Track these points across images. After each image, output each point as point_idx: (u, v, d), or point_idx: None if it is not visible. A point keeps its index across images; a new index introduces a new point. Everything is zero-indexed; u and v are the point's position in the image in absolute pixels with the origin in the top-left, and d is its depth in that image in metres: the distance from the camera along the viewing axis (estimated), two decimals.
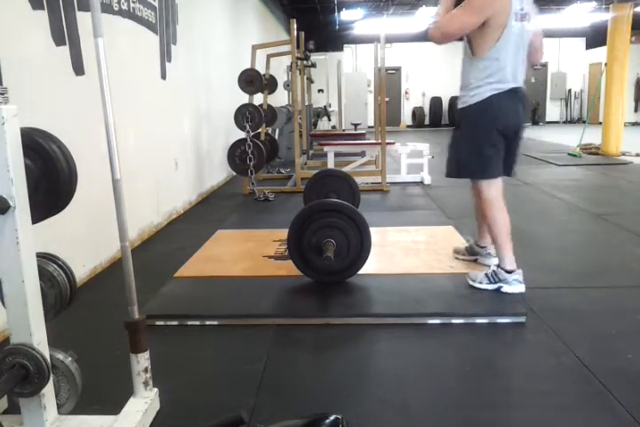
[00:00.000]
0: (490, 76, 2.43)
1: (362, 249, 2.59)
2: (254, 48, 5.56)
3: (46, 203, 1.38)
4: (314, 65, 8.16)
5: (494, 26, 2.36)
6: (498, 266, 2.52)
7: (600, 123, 8.87)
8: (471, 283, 2.55)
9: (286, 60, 8.72)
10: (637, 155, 7.91)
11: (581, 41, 16.17)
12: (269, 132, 6.59)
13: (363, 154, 6.59)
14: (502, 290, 2.48)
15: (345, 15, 13.45)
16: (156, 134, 4.02)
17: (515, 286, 2.48)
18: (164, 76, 4.17)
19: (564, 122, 16.60)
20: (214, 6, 6.07)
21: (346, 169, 5.63)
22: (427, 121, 16.35)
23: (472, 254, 2.91)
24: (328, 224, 2.57)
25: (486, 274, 2.52)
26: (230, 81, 5.64)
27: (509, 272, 2.48)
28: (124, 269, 1.53)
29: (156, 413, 1.60)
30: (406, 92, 16.51)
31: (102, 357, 1.96)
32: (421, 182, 5.84)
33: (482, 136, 2.51)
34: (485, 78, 2.44)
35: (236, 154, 5.24)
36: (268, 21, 10.61)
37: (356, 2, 12.37)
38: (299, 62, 6.27)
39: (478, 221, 2.92)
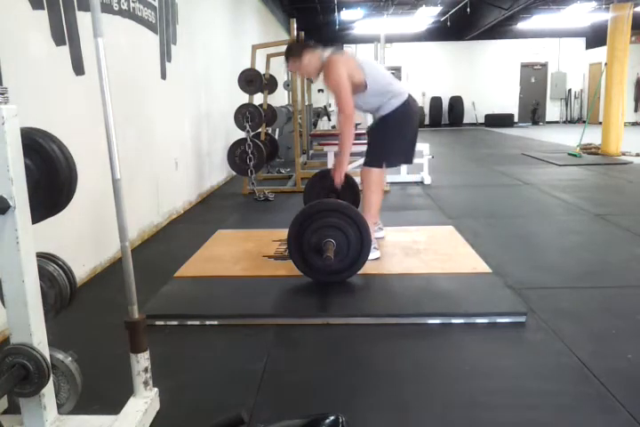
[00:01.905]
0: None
1: (362, 249, 2.59)
2: (254, 48, 5.56)
3: (46, 203, 1.38)
4: None
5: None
6: None
7: (600, 123, 8.87)
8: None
9: None
10: (637, 155, 7.91)
11: (581, 41, 16.18)
12: (269, 131, 6.58)
13: (363, 154, 6.59)
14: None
15: (345, 15, 13.45)
16: (156, 134, 4.02)
17: (372, 252, 2.82)
18: (163, 76, 4.17)
19: (564, 122, 16.60)
20: (214, 6, 6.08)
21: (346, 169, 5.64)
22: (427, 121, 16.35)
23: None
24: (328, 224, 2.57)
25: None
26: (230, 81, 5.64)
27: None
28: (124, 269, 1.53)
29: (156, 413, 1.60)
30: None
31: (102, 357, 1.96)
32: (421, 182, 5.84)
33: None
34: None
35: (236, 154, 5.24)
36: (268, 21, 10.60)
37: (356, 2, 12.37)
38: None
39: None
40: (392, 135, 2.99)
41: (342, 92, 2.84)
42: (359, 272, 2.73)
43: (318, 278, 2.62)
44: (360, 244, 2.58)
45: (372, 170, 3.06)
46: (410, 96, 3.03)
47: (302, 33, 6.84)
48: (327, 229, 2.56)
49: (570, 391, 1.72)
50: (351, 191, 3.64)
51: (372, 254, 2.88)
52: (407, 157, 3.22)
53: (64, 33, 2.62)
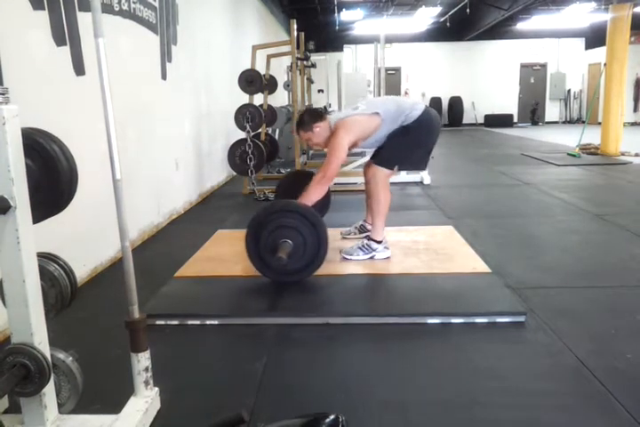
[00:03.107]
0: None
1: (319, 250, 2.56)
2: (254, 48, 5.56)
3: (47, 203, 1.38)
4: (314, 65, 8.16)
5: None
6: (369, 238, 2.99)
7: (599, 123, 8.87)
8: (348, 257, 2.95)
9: (286, 61, 8.73)
10: (636, 155, 7.91)
11: (581, 41, 16.18)
12: (269, 132, 6.59)
13: (363, 154, 6.60)
14: (375, 258, 2.95)
15: (345, 15, 13.45)
16: (157, 134, 4.02)
17: (383, 252, 2.98)
18: (164, 77, 4.17)
19: (564, 122, 16.60)
20: (214, 7, 6.08)
21: (346, 169, 5.64)
22: None
23: (362, 232, 3.34)
24: (284, 224, 2.55)
25: (360, 247, 2.97)
26: (230, 81, 5.64)
27: (379, 242, 2.97)
28: (125, 269, 1.53)
29: (156, 412, 1.60)
30: (406, 93, 16.51)
31: (103, 356, 1.96)
32: (421, 182, 5.85)
33: None
34: None
35: (236, 154, 5.24)
36: (269, 22, 10.61)
37: (355, 2, 12.37)
38: (299, 63, 6.28)
39: (367, 203, 3.36)
40: (412, 143, 2.98)
41: (335, 158, 2.83)
42: (359, 272, 2.74)
43: (275, 278, 2.61)
44: (317, 245, 2.55)
45: (383, 170, 3.02)
46: (428, 107, 3.05)
47: (302, 33, 6.86)
48: (283, 229, 2.54)
49: (570, 391, 1.72)
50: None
51: (384, 253, 2.99)
52: (421, 164, 3.25)
53: (65, 33, 2.62)
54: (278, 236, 2.54)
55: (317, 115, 3.01)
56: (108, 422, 1.48)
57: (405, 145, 2.97)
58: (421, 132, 2.97)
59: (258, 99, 5.62)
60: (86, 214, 2.79)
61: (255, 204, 4.99)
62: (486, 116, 16.09)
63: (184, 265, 2.94)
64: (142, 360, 1.56)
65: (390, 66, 13.91)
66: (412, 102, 3.05)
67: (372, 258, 2.95)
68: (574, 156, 7.92)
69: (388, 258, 2.98)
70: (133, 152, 3.49)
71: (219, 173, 6.05)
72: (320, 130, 2.96)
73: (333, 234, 3.24)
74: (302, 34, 6.85)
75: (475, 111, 16.31)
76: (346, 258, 2.97)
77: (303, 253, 2.56)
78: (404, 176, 5.96)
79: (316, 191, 2.79)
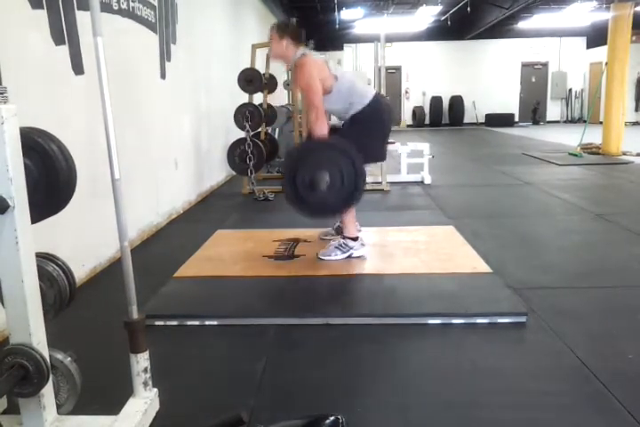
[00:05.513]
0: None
1: (356, 185, 2.57)
2: (254, 47, 5.55)
3: (46, 202, 1.38)
4: None
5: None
6: (344, 237, 2.99)
7: (601, 122, 8.86)
8: (326, 258, 2.94)
9: None
10: (638, 154, 7.90)
11: (582, 40, 16.15)
12: (269, 131, 6.58)
13: None
14: (353, 255, 2.96)
15: (345, 14, 13.43)
16: (156, 134, 4.02)
17: (360, 249, 2.99)
18: (163, 76, 4.16)
19: (565, 121, 16.58)
20: (214, 6, 6.07)
21: None
22: (427, 120, 16.33)
23: (339, 233, 3.23)
24: (322, 159, 2.57)
25: (336, 247, 2.97)
26: (230, 80, 5.63)
27: (355, 239, 2.98)
28: (124, 269, 1.53)
29: (155, 413, 1.60)
30: (406, 92, 16.50)
31: (102, 357, 1.95)
32: (421, 182, 5.84)
33: None
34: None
35: (235, 153, 5.23)
36: (268, 21, 10.59)
37: (356, 1, 12.35)
38: None
39: None
40: (362, 134, 2.93)
41: (312, 93, 2.83)
42: (359, 272, 2.73)
43: (313, 214, 2.68)
44: (354, 174, 2.57)
45: None
46: (378, 94, 3.05)
47: (303, 32, 6.84)
48: (320, 164, 2.57)
49: (570, 391, 1.72)
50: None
51: (361, 251, 3.00)
52: (380, 155, 3.20)
53: (63, 32, 2.61)
54: (315, 170, 2.55)
55: (295, 33, 2.98)
56: (106, 423, 1.47)
57: (357, 139, 2.87)
58: (372, 124, 2.95)
59: (257, 98, 5.61)
60: (85, 214, 2.79)
61: (255, 204, 4.99)
62: (487, 116, 16.07)
63: (183, 265, 2.93)
64: (141, 361, 1.55)
65: (391, 65, 13.89)
66: (365, 90, 3.02)
67: (349, 257, 2.95)
68: (575, 155, 7.91)
69: (363, 257, 2.98)
70: (132, 151, 3.48)
71: (218, 172, 6.04)
72: (287, 45, 2.93)
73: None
74: (302, 33, 6.83)
75: (475, 110, 16.30)
76: (322, 259, 2.94)
77: (342, 184, 2.56)
78: (404, 176, 5.95)
79: (319, 128, 2.79)
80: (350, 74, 3.25)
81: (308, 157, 2.66)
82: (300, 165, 2.62)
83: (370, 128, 2.96)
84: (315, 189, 2.54)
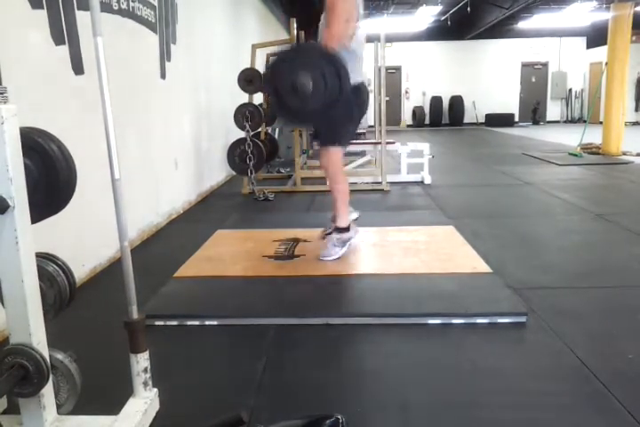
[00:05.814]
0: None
1: (340, 90, 2.51)
2: (254, 47, 5.55)
3: (46, 202, 1.38)
4: None
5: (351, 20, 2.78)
6: (337, 231, 2.96)
7: (601, 122, 8.87)
8: (328, 259, 2.91)
9: None
10: (638, 154, 7.90)
11: (582, 40, 16.17)
12: (269, 131, 6.58)
13: (363, 153, 6.59)
14: (352, 245, 2.99)
15: None
16: (156, 134, 4.02)
17: (356, 235, 3.02)
18: (163, 76, 4.16)
19: (565, 121, 16.60)
20: (214, 6, 6.07)
21: (346, 169, 5.63)
22: (427, 120, 16.35)
23: (334, 221, 3.16)
24: (304, 64, 2.53)
25: (334, 245, 2.95)
26: (230, 80, 5.63)
27: (347, 229, 2.97)
28: (124, 269, 1.53)
29: (155, 413, 1.60)
30: (406, 92, 16.52)
31: (102, 357, 1.95)
32: (422, 182, 5.84)
33: None
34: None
35: (235, 153, 5.23)
36: (268, 21, 10.60)
37: None
38: None
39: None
40: (346, 116, 2.87)
41: (337, 15, 2.71)
42: (359, 272, 2.73)
43: (293, 119, 2.69)
44: (337, 76, 2.50)
45: (334, 150, 2.94)
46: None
47: (302, 32, 6.84)
48: (304, 67, 2.51)
49: (570, 391, 1.72)
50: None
51: (356, 237, 3.04)
52: (347, 137, 3.08)
53: (63, 32, 2.61)
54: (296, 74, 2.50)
55: None
56: (106, 423, 1.47)
57: (339, 119, 2.83)
58: (353, 106, 2.85)
59: (257, 98, 5.61)
60: (85, 214, 2.79)
61: (255, 204, 4.99)
62: (487, 116, 16.09)
63: (183, 265, 2.93)
64: (141, 361, 1.55)
65: (390, 65, 13.91)
66: (362, 70, 2.99)
67: (349, 245, 2.99)
68: (575, 155, 7.91)
69: (358, 239, 3.04)
70: (132, 151, 3.48)
71: (218, 172, 6.04)
72: None
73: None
74: (302, 33, 6.83)
75: (475, 110, 16.31)
76: (324, 260, 2.92)
77: (325, 89, 2.50)
78: (404, 176, 5.95)
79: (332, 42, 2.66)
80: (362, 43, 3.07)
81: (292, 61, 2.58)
82: (283, 68, 2.56)
83: (352, 111, 2.86)
84: (298, 91, 2.46)
